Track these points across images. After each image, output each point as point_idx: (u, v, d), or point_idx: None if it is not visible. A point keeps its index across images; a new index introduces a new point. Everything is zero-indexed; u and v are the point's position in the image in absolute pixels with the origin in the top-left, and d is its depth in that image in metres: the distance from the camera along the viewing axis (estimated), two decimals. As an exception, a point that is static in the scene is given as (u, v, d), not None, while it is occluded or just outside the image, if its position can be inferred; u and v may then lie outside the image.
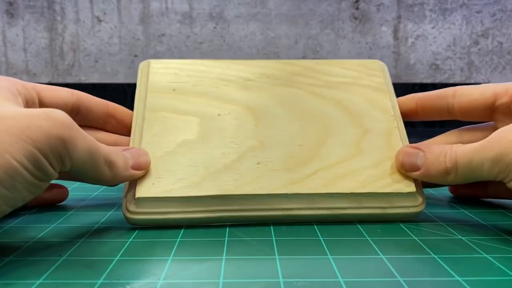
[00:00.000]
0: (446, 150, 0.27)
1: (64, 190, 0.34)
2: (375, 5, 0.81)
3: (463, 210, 0.33)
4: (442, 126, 0.79)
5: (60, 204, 0.34)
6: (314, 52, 0.81)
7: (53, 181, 0.33)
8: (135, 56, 0.80)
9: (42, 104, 0.29)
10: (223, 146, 0.30)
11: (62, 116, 0.22)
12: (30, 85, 0.29)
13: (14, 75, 0.78)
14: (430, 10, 0.81)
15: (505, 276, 0.21)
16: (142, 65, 0.35)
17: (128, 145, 0.31)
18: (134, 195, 0.28)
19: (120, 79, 0.80)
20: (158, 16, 0.79)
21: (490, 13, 0.81)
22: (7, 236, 0.27)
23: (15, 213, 0.31)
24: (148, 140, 0.30)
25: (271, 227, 0.28)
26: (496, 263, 0.23)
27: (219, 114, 0.32)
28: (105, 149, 0.25)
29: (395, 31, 0.81)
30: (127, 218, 0.28)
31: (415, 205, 0.29)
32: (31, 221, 0.30)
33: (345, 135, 0.32)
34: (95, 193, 0.37)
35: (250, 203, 0.28)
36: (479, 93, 0.31)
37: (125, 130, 0.34)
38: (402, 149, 0.30)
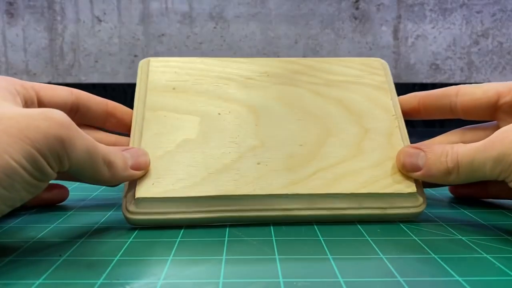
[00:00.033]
0: (447, 150, 0.27)
1: (64, 191, 0.34)
2: (375, 5, 0.81)
3: (463, 210, 0.32)
4: (442, 126, 0.79)
5: (60, 204, 0.34)
6: (314, 52, 0.81)
7: (53, 182, 0.33)
8: (135, 56, 0.80)
9: (41, 104, 0.29)
10: (223, 145, 0.30)
11: (60, 116, 0.22)
12: (29, 84, 0.28)
13: (14, 75, 0.78)
14: (430, 10, 0.81)
15: (505, 276, 0.21)
16: (142, 63, 0.35)
17: (128, 145, 0.31)
18: (134, 195, 0.28)
19: (120, 79, 0.80)
20: (158, 16, 0.79)
21: (490, 13, 0.81)
22: (7, 236, 0.27)
23: (15, 213, 0.31)
24: (148, 139, 0.30)
25: (271, 227, 0.28)
26: (496, 263, 0.23)
27: (219, 113, 0.32)
28: (104, 149, 0.25)
29: (395, 31, 0.81)
30: (127, 218, 0.28)
31: (415, 206, 0.29)
32: (31, 221, 0.30)
33: (345, 134, 0.32)
34: (95, 193, 0.37)
35: (250, 204, 0.28)
36: (482, 92, 0.31)
37: (125, 129, 0.34)
38: (403, 150, 0.30)
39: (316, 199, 0.29)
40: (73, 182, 0.38)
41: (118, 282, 0.21)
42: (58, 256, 0.24)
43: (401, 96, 0.34)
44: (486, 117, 0.32)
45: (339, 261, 0.23)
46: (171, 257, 0.23)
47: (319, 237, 0.26)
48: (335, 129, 0.32)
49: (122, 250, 0.24)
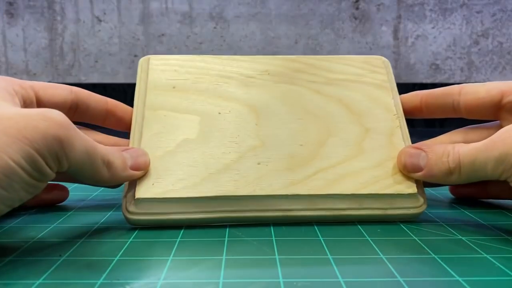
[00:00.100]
0: (448, 150, 0.27)
1: (64, 191, 0.34)
2: (375, 5, 0.81)
3: (463, 210, 0.32)
4: (442, 126, 0.79)
5: (60, 204, 0.34)
6: (314, 52, 0.81)
7: (53, 182, 0.33)
8: (135, 56, 0.80)
9: (40, 103, 0.29)
10: (224, 145, 0.30)
11: (59, 116, 0.22)
12: (28, 84, 0.28)
13: (14, 75, 0.78)
14: (430, 10, 0.81)
15: (505, 276, 0.21)
16: (142, 61, 0.34)
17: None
18: (134, 196, 0.28)
19: (120, 79, 0.80)
20: (158, 16, 0.79)
21: (490, 13, 0.81)
22: (7, 236, 0.27)
23: (15, 213, 0.31)
24: (147, 139, 0.30)
25: (271, 227, 0.28)
26: (496, 263, 0.23)
27: (219, 113, 0.32)
28: (103, 149, 0.25)
29: (395, 31, 0.81)
30: (127, 219, 0.28)
31: (416, 206, 0.29)
32: (31, 221, 0.30)
33: (346, 134, 0.32)
34: (95, 193, 0.37)
35: (250, 204, 0.28)
36: (485, 91, 0.31)
37: (124, 127, 0.33)
38: (404, 150, 0.30)
39: (317, 200, 0.29)
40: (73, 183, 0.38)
41: (118, 282, 0.21)
42: (58, 256, 0.24)
43: (403, 95, 0.34)
44: (489, 116, 0.32)
45: (339, 261, 0.23)
46: (171, 257, 0.23)
47: (319, 237, 0.26)
48: (336, 129, 0.32)
49: (122, 250, 0.24)
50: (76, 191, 0.37)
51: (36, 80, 0.31)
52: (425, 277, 0.21)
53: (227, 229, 0.28)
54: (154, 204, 0.28)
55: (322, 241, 0.26)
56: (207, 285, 0.20)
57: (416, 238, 0.26)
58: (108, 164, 0.26)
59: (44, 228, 0.28)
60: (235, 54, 0.80)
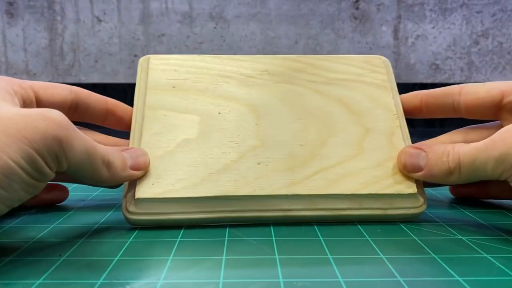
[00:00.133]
0: (448, 150, 0.27)
1: (64, 191, 0.34)
2: (375, 5, 0.81)
3: (463, 210, 0.32)
4: (442, 126, 0.79)
5: (60, 204, 0.34)
6: (314, 52, 0.81)
7: (53, 182, 0.33)
8: (135, 56, 0.80)
9: (39, 103, 0.29)
10: (223, 145, 0.30)
11: (58, 116, 0.22)
12: (27, 83, 0.28)
13: (14, 75, 0.78)
14: (430, 10, 0.81)
15: (505, 276, 0.21)
16: (142, 61, 0.34)
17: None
18: (134, 196, 0.28)
19: (120, 79, 0.80)
20: (158, 16, 0.79)
21: (490, 13, 0.81)
22: (7, 236, 0.27)
23: (15, 213, 0.31)
24: (147, 139, 0.30)
25: (271, 227, 0.28)
26: (496, 263, 0.23)
27: (219, 112, 0.32)
28: (102, 149, 0.25)
29: (395, 31, 0.81)
30: (127, 219, 0.28)
31: (416, 206, 0.29)
32: (31, 221, 0.30)
33: (346, 134, 0.32)
34: (95, 193, 0.37)
35: (250, 204, 0.28)
36: (485, 91, 0.31)
37: (124, 127, 0.33)
38: (404, 150, 0.30)
39: (317, 200, 0.29)
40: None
41: (118, 282, 0.21)
42: (58, 256, 0.24)
43: (403, 95, 0.34)
44: (489, 116, 0.32)
45: (339, 261, 0.23)
46: (171, 257, 0.23)
47: (319, 237, 0.26)
48: (336, 129, 0.32)
49: (122, 250, 0.24)
50: (76, 191, 0.37)
51: (36, 80, 0.31)
52: (425, 277, 0.21)
53: (227, 229, 0.28)
54: (154, 204, 0.28)
55: (322, 241, 0.26)
56: (207, 285, 0.20)
57: (416, 238, 0.26)
58: (108, 164, 0.26)
59: (44, 228, 0.28)
60: (235, 54, 0.80)
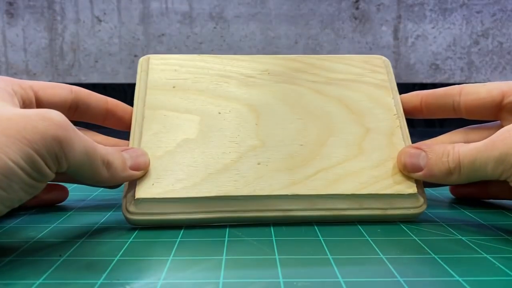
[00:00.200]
0: (448, 150, 0.27)
1: (64, 191, 0.34)
2: (375, 5, 0.81)
3: (463, 210, 0.32)
4: (442, 126, 0.79)
5: (60, 204, 0.34)
6: (314, 52, 0.81)
7: (53, 182, 0.33)
8: (135, 56, 0.80)
9: (39, 103, 0.29)
10: (223, 145, 0.30)
11: (58, 116, 0.22)
12: (27, 84, 0.28)
13: (14, 75, 0.78)
14: (430, 10, 0.81)
15: (505, 276, 0.21)
16: (142, 60, 0.34)
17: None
18: (134, 196, 0.28)
19: (120, 79, 0.80)
20: (158, 16, 0.79)
21: (490, 13, 0.81)
22: (7, 236, 0.27)
23: (15, 214, 0.31)
24: (147, 139, 0.30)
25: (271, 227, 0.28)
26: (496, 263, 0.23)
27: (219, 112, 0.32)
28: (102, 149, 0.25)
29: (395, 31, 0.81)
30: (127, 219, 0.28)
31: (416, 206, 0.29)
32: (31, 221, 0.30)
33: (346, 134, 0.32)
34: (95, 193, 0.37)
35: (250, 204, 0.28)
36: (486, 92, 0.31)
37: (124, 126, 0.33)
38: (404, 150, 0.30)
39: (317, 200, 0.29)
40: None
41: (118, 282, 0.21)
42: (58, 256, 0.24)
43: (403, 95, 0.34)
44: (489, 116, 0.32)
45: (339, 261, 0.23)
46: (171, 257, 0.23)
47: (319, 237, 0.26)
48: (336, 129, 0.32)
49: (122, 250, 0.24)
50: (76, 191, 0.37)
51: (36, 80, 0.31)
52: (425, 277, 0.21)
53: (227, 229, 0.28)
54: (154, 204, 0.28)
55: (322, 241, 0.26)
56: (207, 285, 0.20)
57: (416, 238, 0.26)
58: (107, 165, 0.26)
59: (44, 228, 0.28)
60: (235, 54, 0.80)
